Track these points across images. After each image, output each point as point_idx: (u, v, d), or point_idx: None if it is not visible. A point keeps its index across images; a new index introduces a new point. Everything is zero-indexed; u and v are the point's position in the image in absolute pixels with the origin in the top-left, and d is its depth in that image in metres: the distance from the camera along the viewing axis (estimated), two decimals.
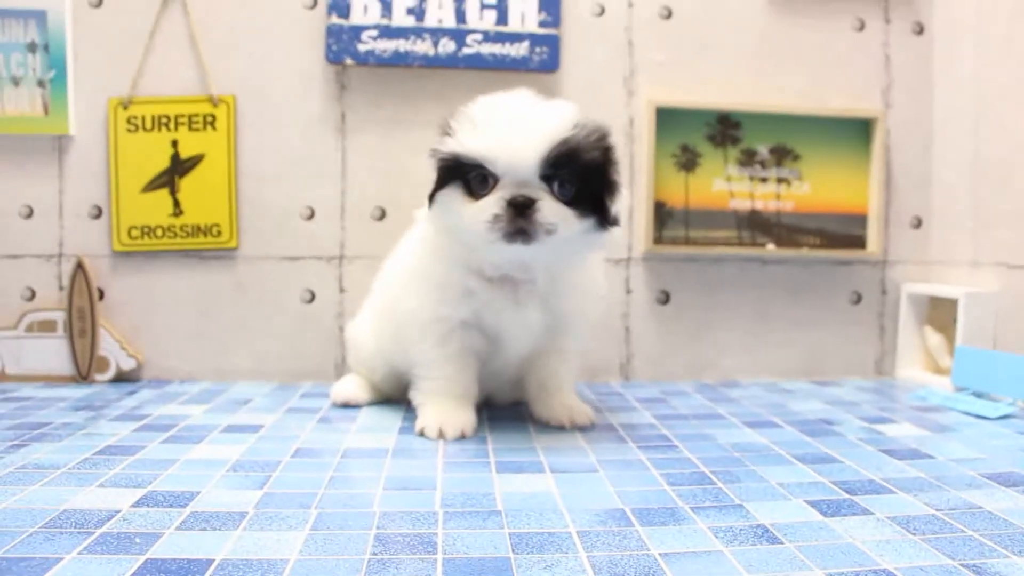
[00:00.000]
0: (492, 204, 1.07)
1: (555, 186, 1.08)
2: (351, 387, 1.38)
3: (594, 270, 1.26)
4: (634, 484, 0.96)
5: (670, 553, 0.76)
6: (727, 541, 0.79)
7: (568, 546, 0.78)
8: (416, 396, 1.22)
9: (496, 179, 1.08)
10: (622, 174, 1.16)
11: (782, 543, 0.78)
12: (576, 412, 1.23)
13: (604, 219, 1.12)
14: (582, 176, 1.09)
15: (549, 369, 1.25)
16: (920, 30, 1.64)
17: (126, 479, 0.96)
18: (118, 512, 0.85)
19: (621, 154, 1.54)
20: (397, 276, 1.26)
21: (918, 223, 1.66)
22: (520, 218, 1.05)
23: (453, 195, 1.11)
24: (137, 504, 0.87)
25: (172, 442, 1.12)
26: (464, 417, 1.18)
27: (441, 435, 1.15)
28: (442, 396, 1.20)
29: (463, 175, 1.09)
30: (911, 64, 1.64)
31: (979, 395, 1.41)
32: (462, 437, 1.15)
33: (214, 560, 0.74)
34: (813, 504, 0.89)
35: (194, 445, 1.11)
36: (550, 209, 1.07)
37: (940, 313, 1.60)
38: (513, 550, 0.76)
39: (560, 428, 1.21)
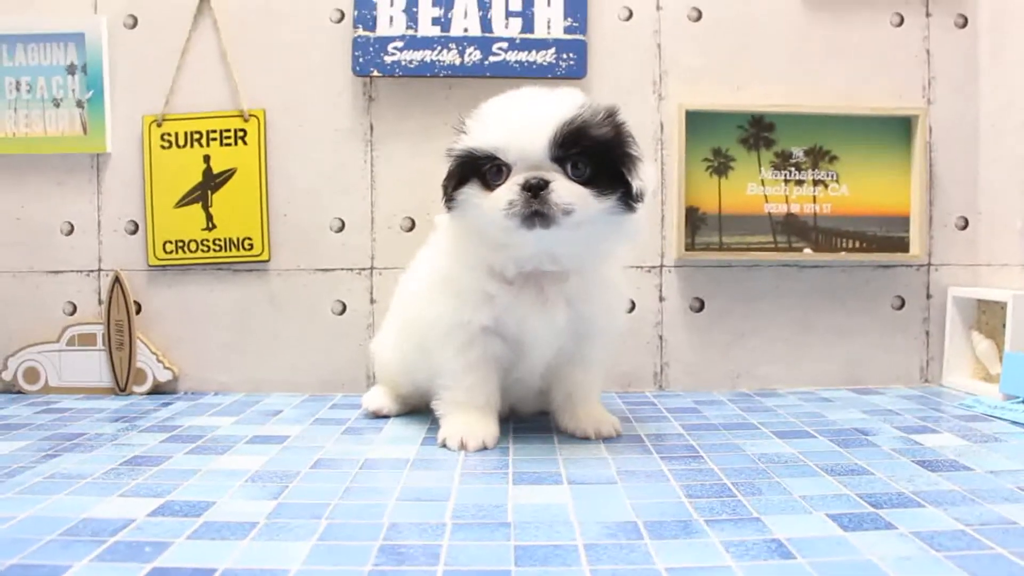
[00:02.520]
0: (507, 191, 1.07)
1: (568, 167, 1.08)
2: (381, 397, 1.38)
3: (619, 277, 1.24)
4: (651, 496, 0.93)
5: (677, 568, 0.74)
6: (738, 556, 0.76)
7: (573, 559, 0.76)
8: (439, 407, 1.22)
9: (509, 168, 1.08)
10: (640, 149, 1.13)
11: (795, 559, 0.75)
12: (602, 423, 1.21)
13: (627, 197, 1.10)
14: (594, 154, 1.08)
15: (575, 379, 1.23)
16: (964, 23, 1.58)
17: (147, 489, 0.97)
18: (133, 521, 0.86)
19: (651, 159, 1.54)
20: (417, 286, 1.26)
21: (964, 224, 1.59)
22: (534, 200, 1.05)
23: (471, 191, 1.11)
24: (153, 513, 0.88)
25: (197, 453, 1.13)
26: (486, 428, 1.16)
27: (463, 446, 1.14)
28: (464, 407, 1.18)
29: (479, 170, 1.10)
30: (954, 59, 1.58)
31: None
32: (484, 448, 1.14)
33: (217, 570, 0.74)
34: (834, 518, 0.86)
35: (218, 456, 1.12)
36: (565, 189, 1.06)
37: (989, 317, 1.54)
38: (516, 563, 0.75)
39: (585, 439, 1.20)
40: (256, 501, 0.93)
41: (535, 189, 1.05)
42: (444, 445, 1.16)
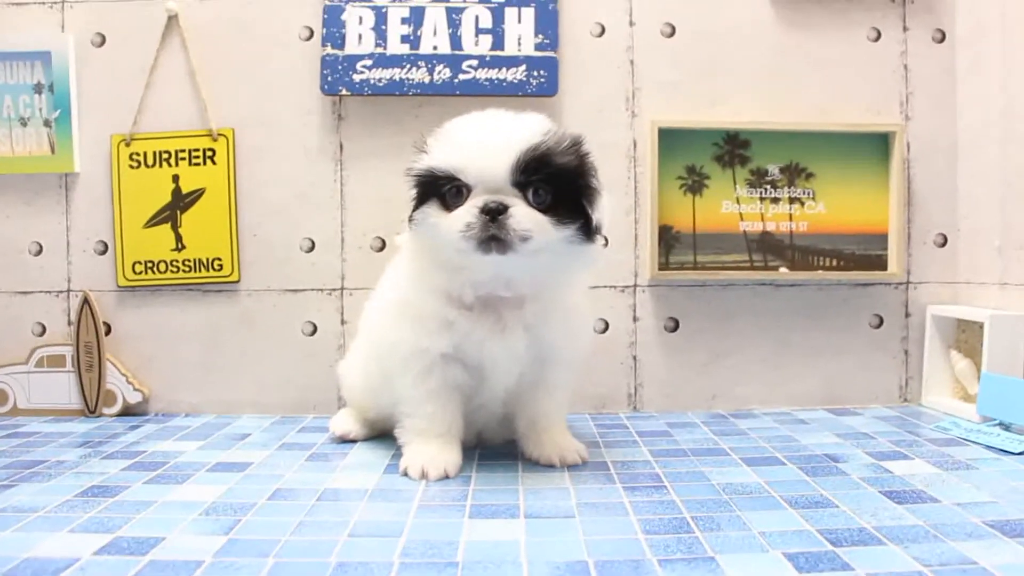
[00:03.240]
0: (465, 213, 1.05)
1: (529, 193, 1.06)
2: (348, 421, 1.36)
3: (581, 301, 1.23)
4: (607, 531, 0.92)
5: None
6: None
7: None
8: (401, 435, 1.20)
9: (469, 189, 1.06)
10: (601, 182, 1.12)
11: None
12: (566, 450, 1.19)
13: (586, 228, 1.09)
14: (557, 182, 1.07)
15: (538, 405, 1.22)
16: (942, 38, 1.56)
17: (97, 524, 0.95)
18: (77, 560, 0.84)
19: (624, 177, 1.53)
20: (379, 311, 1.24)
21: (943, 241, 1.57)
22: (492, 224, 1.03)
23: (430, 211, 1.10)
24: (99, 552, 0.86)
25: (156, 482, 1.12)
26: (448, 457, 1.15)
27: (424, 475, 1.12)
28: (426, 435, 1.17)
29: (438, 190, 1.08)
30: (932, 74, 1.56)
31: (1007, 426, 1.33)
32: (445, 477, 1.12)
33: None
34: (790, 557, 0.83)
35: (177, 485, 1.10)
36: (524, 215, 1.04)
37: (968, 336, 1.51)
38: None
39: (550, 467, 1.18)
40: (206, 536, 0.91)
41: (494, 213, 1.03)
42: (406, 474, 1.14)
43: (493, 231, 1.04)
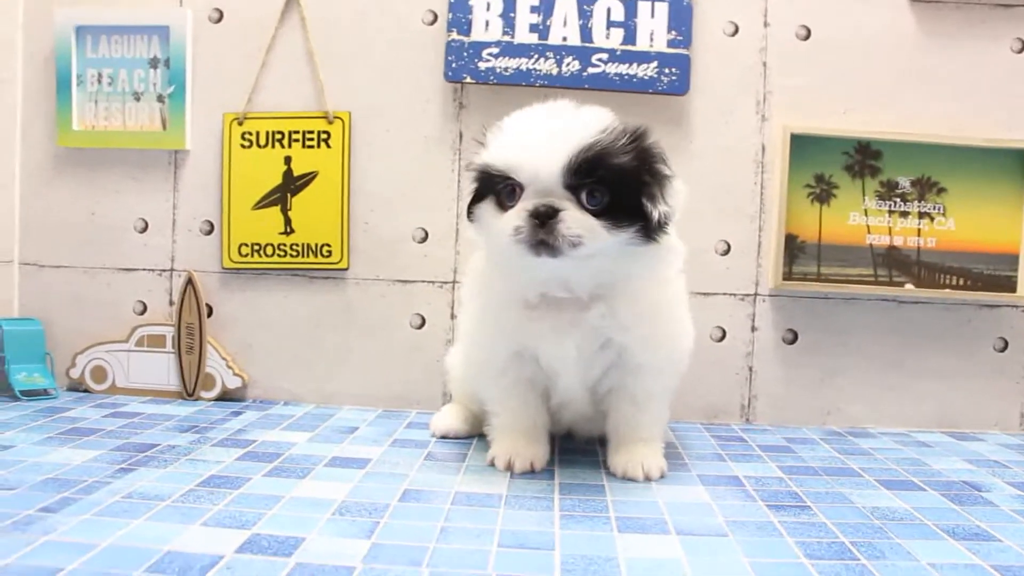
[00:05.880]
0: (515, 216, 1.02)
1: (583, 195, 1.01)
2: (450, 418, 1.33)
3: (672, 304, 1.15)
4: (767, 554, 0.87)
5: None
6: None
7: None
8: (490, 430, 1.20)
9: (523, 188, 1.03)
10: (671, 168, 1.06)
11: None
12: (651, 468, 1.13)
13: (647, 228, 1.04)
14: (613, 183, 1.02)
15: (620, 413, 1.16)
16: None
17: (230, 517, 0.92)
18: (222, 558, 0.81)
19: (751, 183, 1.48)
20: (464, 307, 1.25)
21: None
22: (541, 229, 1.00)
23: (487, 208, 1.07)
24: (241, 549, 0.84)
25: (276, 475, 1.09)
26: (534, 450, 1.15)
27: (509, 467, 1.13)
28: (509, 429, 1.17)
29: (494, 187, 1.05)
30: None
31: None
32: (531, 470, 1.13)
33: None
34: None
35: (299, 480, 1.07)
36: (574, 219, 1.00)
37: None
38: None
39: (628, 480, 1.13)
40: (348, 539, 0.88)
41: (543, 217, 1.00)
42: (492, 464, 1.15)
43: (542, 236, 1.00)
